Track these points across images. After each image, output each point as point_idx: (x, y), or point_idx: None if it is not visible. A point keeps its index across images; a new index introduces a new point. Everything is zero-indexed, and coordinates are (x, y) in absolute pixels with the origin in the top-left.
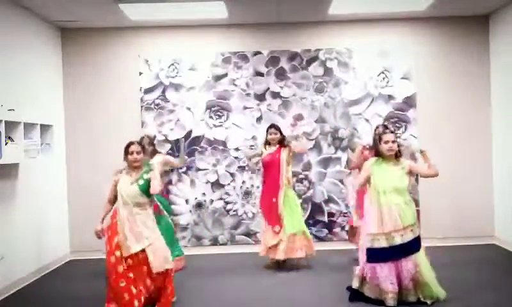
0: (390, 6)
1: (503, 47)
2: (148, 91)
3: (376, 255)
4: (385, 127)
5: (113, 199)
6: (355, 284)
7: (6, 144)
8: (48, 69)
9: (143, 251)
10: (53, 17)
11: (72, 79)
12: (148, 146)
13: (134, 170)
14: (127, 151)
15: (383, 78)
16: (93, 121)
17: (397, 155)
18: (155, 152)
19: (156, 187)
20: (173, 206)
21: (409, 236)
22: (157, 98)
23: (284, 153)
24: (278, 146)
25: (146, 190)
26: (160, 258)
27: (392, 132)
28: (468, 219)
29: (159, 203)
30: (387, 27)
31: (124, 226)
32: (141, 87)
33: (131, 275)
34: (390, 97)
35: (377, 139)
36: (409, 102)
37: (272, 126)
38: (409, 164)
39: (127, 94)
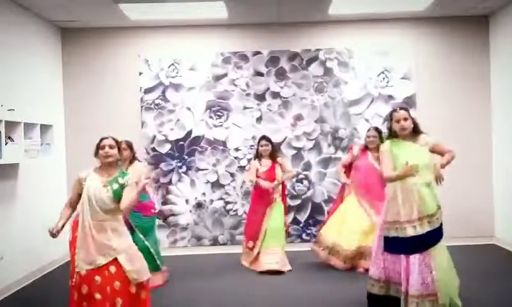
0: (390, 6)
1: (503, 47)
2: (148, 91)
3: (391, 244)
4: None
5: (75, 202)
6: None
7: (6, 144)
8: (48, 69)
9: (113, 263)
10: (53, 17)
11: (72, 79)
12: (124, 150)
13: (105, 170)
14: (98, 147)
15: (383, 79)
16: (93, 121)
17: (416, 132)
18: (133, 159)
19: (131, 202)
20: (173, 206)
21: (425, 228)
22: (157, 98)
23: (279, 171)
24: (271, 161)
25: (119, 196)
26: (139, 266)
27: (404, 109)
28: (468, 219)
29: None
30: (387, 27)
31: (87, 237)
32: (141, 87)
33: (98, 296)
34: (390, 97)
35: (390, 120)
36: (409, 102)
37: (264, 138)
38: (432, 141)
39: (127, 94)
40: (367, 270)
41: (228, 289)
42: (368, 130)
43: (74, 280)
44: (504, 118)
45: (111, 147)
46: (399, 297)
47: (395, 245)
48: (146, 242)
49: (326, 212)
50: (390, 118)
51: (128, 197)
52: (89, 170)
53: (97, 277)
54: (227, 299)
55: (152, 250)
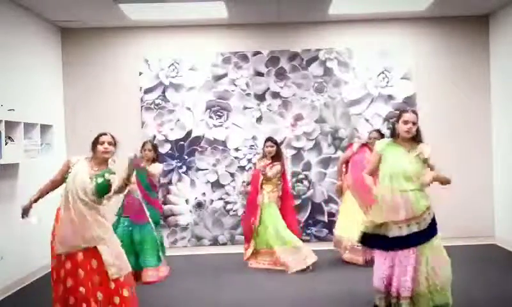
0: (390, 6)
1: (503, 47)
2: (148, 91)
3: (371, 242)
4: (408, 110)
5: (58, 183)
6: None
7: (6, 144)
8: (48, 69)
9: (94, 256)
10: (53, 17)
11: (72, 79)
12: (149, 151)
13: (96, 163)
14: (97, 141)
15: (383, 78)
16: (93, 121)
17: (415, 139)
18: (155, 160)
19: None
20: (173, 206)
21: (412, 229)
22: (157, 98)
23: (270, 172)
24: (270, 162)
25: (101, 190)
26: (118, 262)
27: (415, 114)
28: (468, 219)
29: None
30: (387, 27)
31: (67, 220)
32: (141, 87)
33: (82, 290)
34: (390, 97)
35: (397, 117)
36: (409, 102)
37: (269, 139)
38: (428, 153)
39: (127, 94)
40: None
41: (228, 289)
42: (370, 132)
43: (53, 266)
44: (504, 117)
45: (110, 143)
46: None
47: (375, 241)
48: (155, 233)
49: (326, 213)
50: (398, 116)
51: (115, 184)
52: (81, 157)
53: (80, 271)
54: (227, 299)
55: (158, 242)
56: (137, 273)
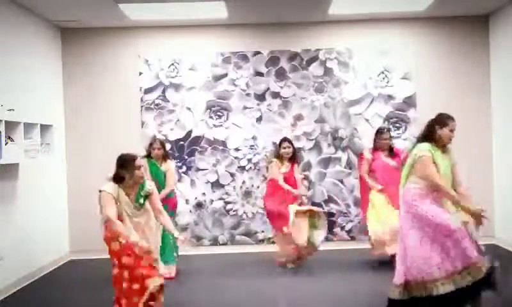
0: (390, 6)
1: (503, 47)
2: (148, 91)
3: None
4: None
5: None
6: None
7: (6, 144)
8: (48, 69)
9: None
10: (53, 17)
11: (72, 79)
12: (158, 150)
13: (131, 187)
14: (134, 166)
15: (383, 78)
16: (93, 121)
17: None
18: (166, 157)
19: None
20: None
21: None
22: (157, 98)
23: (297, 174)
24: (290, 164)
25: (144, 203)
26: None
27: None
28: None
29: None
30: (387, 27)
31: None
32: (141, 87)
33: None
34: (390, 97)
35: (440, 123)
36: (409, 102)
37: (286, 140)
38: (454, 160)
39: (127, 94)
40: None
41: (228, 289)
42: (382, 133)
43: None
44: (504, 117)
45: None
46: (424, 296)
47: None
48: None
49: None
50: (439, 122)
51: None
52: (109, 185)
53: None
54: (227, 299)
55: (172, 241)
56: None
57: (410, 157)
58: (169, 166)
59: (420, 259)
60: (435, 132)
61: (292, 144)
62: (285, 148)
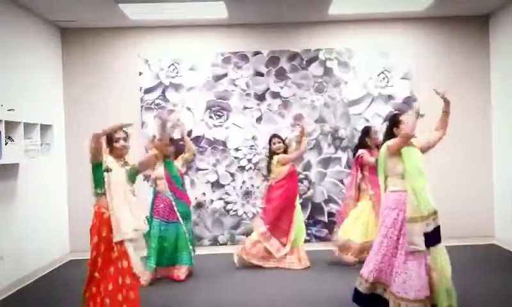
0: (390, 6)
1: (503, 47)
2: (148, 91)
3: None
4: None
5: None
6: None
7: (6, 144)
8: (48, 69)
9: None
10: (53, 17)
11: (72, 79)
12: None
13: (117, 157)
14: (112, 138)
15: (383, 78)
16: (93, 121)
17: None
18: (180, 150)
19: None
20: None
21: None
22: (157, 98)
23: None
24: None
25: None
26: None
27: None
28: (468, 219)
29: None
30: (387, 27)
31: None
32: (141, 87)
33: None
34: (390, 97)
35: (396, 122)
36: (409, 102)
37: (275, 136)
38: (417, 140)
39: (127, 94)
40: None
41: (228, 289)
42: (374, 131)
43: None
44: (504, 117)
45: (124, 139)
46: (384, 297)
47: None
48: (185, 230)
49: (326, 213)
50: (398, 121)
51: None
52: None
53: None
54: (227, 299)
55: (189, 236)
56: (168, 268)
57: (379, 155)
58: (182, 157)
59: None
60: (395, 131)
61: (282, 139)
62: (275, 143)
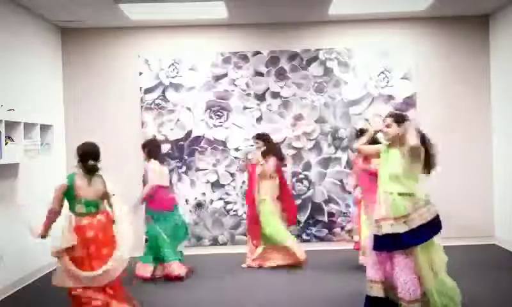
0: (390, 6)
1: (503, 47)
2: (148, 91)
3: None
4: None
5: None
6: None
7: (6, 144)
8: (48, 69)
9: None
10: (53, 17)
11: (72, 79)
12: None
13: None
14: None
15: (383, 78)
16: (93, 121)
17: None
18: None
19: None
20: None
21: (401, 228)
22: (157, 98)
23: (258, 168)
24: (262, 158)
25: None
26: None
27: (390, 116)
28: (468, 219)
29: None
30: (387, 27)
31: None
32: (141, 87)
33: None
34: (390, 97)
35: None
36: (409, 102)
37: (254, 136)
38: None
39: (127, 94)
40: None
41: (228, 289)
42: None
43: None
44: (504, 118)
45: None
46: (396, 302)
47: (377, 242)
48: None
49: (326, 213)
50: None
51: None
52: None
53: None
54: (227, 299)
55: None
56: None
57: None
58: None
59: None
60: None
61: (263, 140)
62: (252, 145)
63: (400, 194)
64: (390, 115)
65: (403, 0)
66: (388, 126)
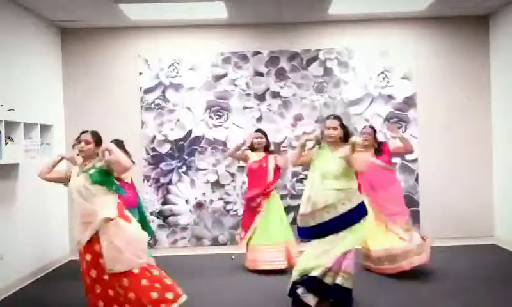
0: (390, 6)
1: (503, 47)
2: (148, 91)
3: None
4: (333, 116)
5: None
6: None
7: (6, 144)
8: (48, 69)
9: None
10: (53, 17)
11: (72, 79)
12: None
13: (85, 160)
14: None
15: (383, 78)
16: (93, 121)
17: (346, 140)
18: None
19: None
20: (172, 206)
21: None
22: (157, 98)
23: (272, 162)
24: (264, 153)
25: (99, 180)
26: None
27: (336, 118)
28: (468, 219)
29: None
30: (387, 27)
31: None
32: (141, 87)
33: (106, 277)
34: (390, 97)
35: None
36: (409, 102)
37: (259, 130)
38: (348, 149)
39: (127, 94)
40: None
41: (228, 289)
42: (362, 133)
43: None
44: (504, 117)
45: (86, 143)
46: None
47: (303, 233)
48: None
49: None
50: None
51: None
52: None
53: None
54: (227, 299)
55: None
56: None
57: None
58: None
59: None
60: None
61: (266, 135)
62: (257, 138)
63: (336, 190)
64: (337, 118)
65: (403, 0)
66: (335, 129)
